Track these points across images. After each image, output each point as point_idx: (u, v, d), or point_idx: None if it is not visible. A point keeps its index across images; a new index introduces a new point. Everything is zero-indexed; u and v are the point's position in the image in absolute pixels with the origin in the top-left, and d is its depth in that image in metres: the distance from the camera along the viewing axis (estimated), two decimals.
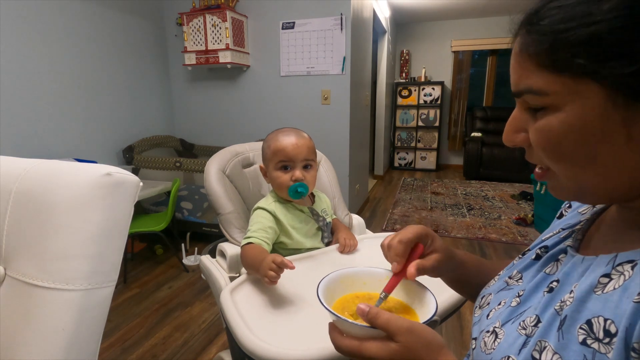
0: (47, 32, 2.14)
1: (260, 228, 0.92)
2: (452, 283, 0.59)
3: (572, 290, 0.34)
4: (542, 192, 2.83)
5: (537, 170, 0.39)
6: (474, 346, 0.43)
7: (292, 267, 0.69)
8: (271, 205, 0.96)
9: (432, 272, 0.52)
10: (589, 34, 0.29)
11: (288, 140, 0.94)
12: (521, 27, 0.35)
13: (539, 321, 0.36)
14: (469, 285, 0.58)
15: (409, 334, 0.38)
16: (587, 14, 0.29)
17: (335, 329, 0.44)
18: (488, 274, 0.58)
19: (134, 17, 2.77)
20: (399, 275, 0.50)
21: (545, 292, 0.38)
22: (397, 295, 0.52)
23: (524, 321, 0.37)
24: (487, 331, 0.41)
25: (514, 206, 3.71)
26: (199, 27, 2.72)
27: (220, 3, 2.66)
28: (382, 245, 0.53)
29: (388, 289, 0.49)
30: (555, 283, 0.38)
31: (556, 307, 0.35)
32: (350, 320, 0.41)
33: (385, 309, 0.47)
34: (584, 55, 0.30)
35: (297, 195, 0.94)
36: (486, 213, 3.50)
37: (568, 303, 0.33)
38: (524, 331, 0.37)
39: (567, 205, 0.52)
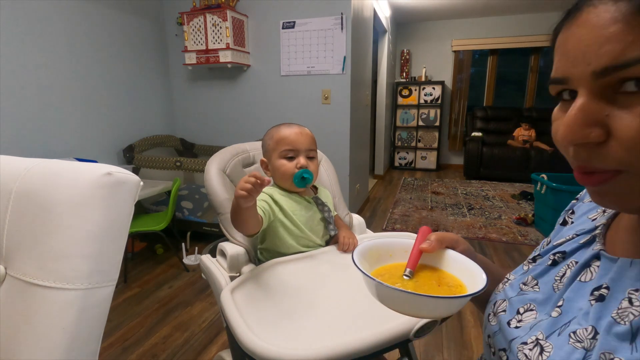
0: (46, 31, 2.14)
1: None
2: None
3: (631, 299, 0.32)
4: (542, 192, 2.82)
5: (591, 172, 0.32)
6: (505, 357, 0.41)
7: (269, 181, 0.73)
8: (269, 189, 0.95)
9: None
10: None
11: (291, 130, 0.95)
12: None
13: (596, 333, 0.33)
14: None
15: None
16: None
17: None
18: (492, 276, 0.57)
19: (134, 17, 2.77)
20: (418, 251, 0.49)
21: (593, 301, 0.35)
22: (448, 269, 0.50)
23: (574, 333, 0.35)
24: (525, 343, 0.39)
25: (515, 206, 3.71)
26: (200, 26, 2.72)
27: (220, 2, 2.66)
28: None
29: (412, 265, 0.48)
30: (605, 290, 0.35)
31: (613, 316, 0.32)
32: (390, 286, 0.40)
33: (436, 280, 0.47)
34: None
35: (302, 183, 0.92)
36: (486, 213, 3.50)
37: (636, 313, 0.31)
38: (579, 344, 0.34)
39: (570, 211, 0.50)
